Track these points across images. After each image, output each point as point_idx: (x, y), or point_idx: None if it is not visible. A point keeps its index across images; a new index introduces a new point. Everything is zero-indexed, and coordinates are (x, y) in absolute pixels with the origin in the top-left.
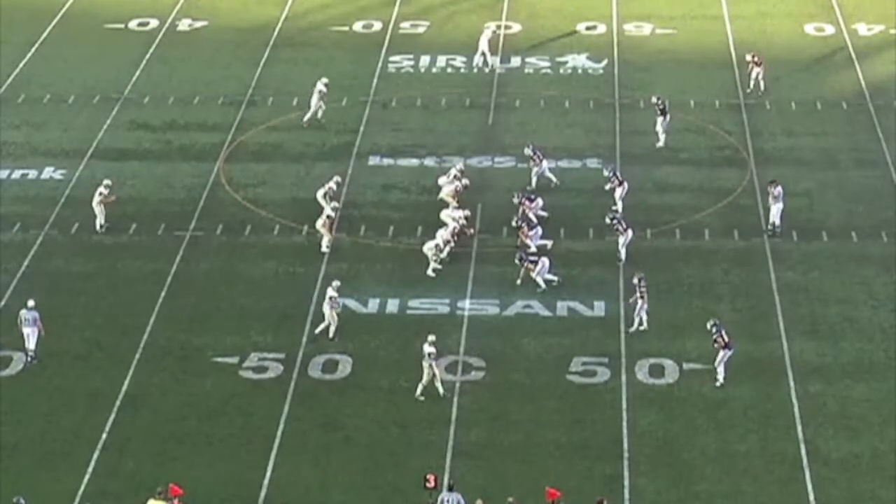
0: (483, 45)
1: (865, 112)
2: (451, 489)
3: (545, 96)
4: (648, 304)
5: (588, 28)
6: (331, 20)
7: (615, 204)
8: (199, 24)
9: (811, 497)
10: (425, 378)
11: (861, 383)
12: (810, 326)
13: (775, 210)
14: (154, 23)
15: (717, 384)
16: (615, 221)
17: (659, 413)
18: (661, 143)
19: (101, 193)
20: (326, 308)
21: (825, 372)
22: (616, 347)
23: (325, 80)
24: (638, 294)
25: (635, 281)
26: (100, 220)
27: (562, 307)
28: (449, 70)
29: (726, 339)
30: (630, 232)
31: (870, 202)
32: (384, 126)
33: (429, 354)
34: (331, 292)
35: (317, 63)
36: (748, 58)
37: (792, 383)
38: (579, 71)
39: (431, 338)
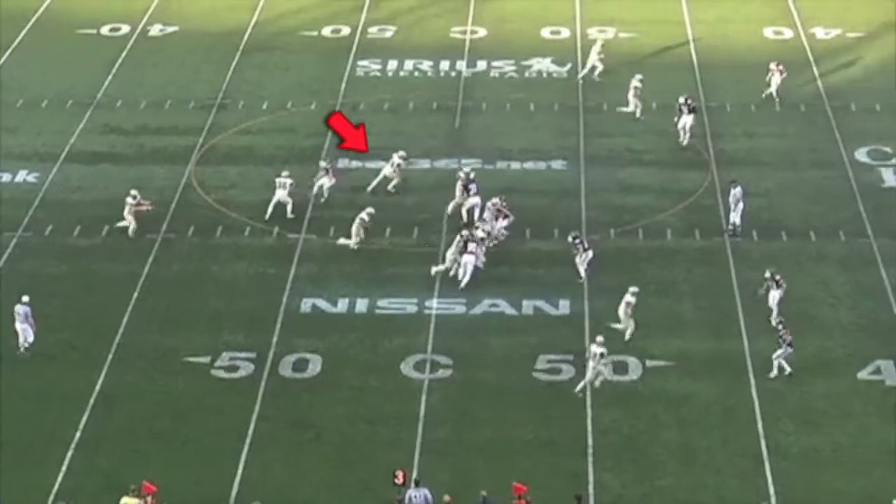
0: (594, 57)
1: (823, 114)
2: (417, 485)
3: (511, 99)
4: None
5: (552, 32)
6: (300, 25)
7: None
8: (170, 30)
9: (772, 490)
10: (589, 375)
11: (820, 379)
12: (770, 324)
13: (736, 211)
14: (126, 28)
15: (771, 376)
16: (577, 241)
17: (623, 409)
18: (684, 142)
19: (129, 203)
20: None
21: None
22: (581, 345)
23: (402, 153)
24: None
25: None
26: (131, 227)
27: (527, 306)
28: (416, 74)
29: (789, 337)
30: (590, 253)
31: (828, 202)
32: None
33: (600, 355)
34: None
35: (286, 67)
36: (772, 66)
37: (753, 379)
38: (544, 75)
39: (600, 339)
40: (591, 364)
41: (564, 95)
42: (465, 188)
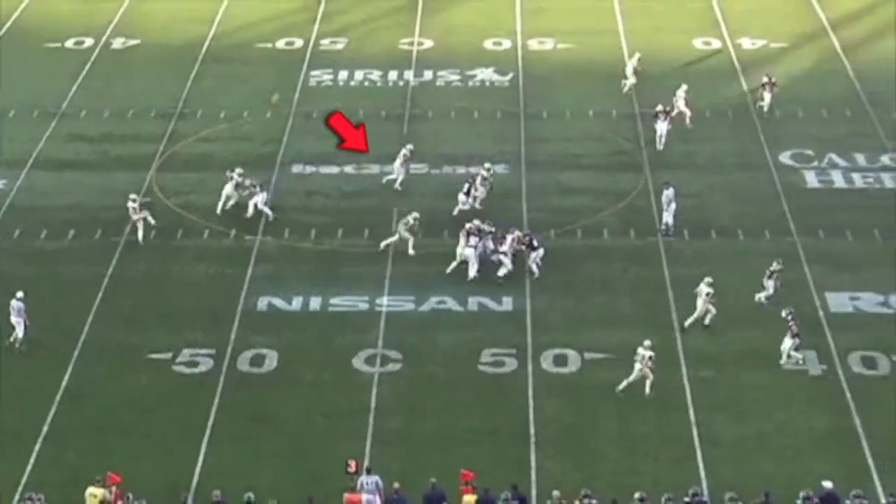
0: (630, 70)
1: (750, 120)
2: (369, 472)
3: (456, 107)
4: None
5: (495, 44)
6: (255, 38)
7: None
8: (131, 43)
9: (702, 475)
10: (633, 377)
11: (748, 370)
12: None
13: (668, 212)
14: (89, 41)
15: (782, 362)
16: (527, 238)
17: (563, 400)
18: (660, 147)
19: (131, 207)
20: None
21: (715, 360)
22: (523, 339)
23: (410, 146)
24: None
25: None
26: (140, 233)
27: (472, 302)
28: (366, 83)
29: (796, 329)
30: (541, 251)
31: (755, 203)
32: (306, 136)
33: (649, 358)
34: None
35: (243, 78)
36: (764, 79)
37: (685, 371)
38: (487, 84)
39: (648, 342)
40: (637, 366)
41: (506, 103)
42: (468, 236)
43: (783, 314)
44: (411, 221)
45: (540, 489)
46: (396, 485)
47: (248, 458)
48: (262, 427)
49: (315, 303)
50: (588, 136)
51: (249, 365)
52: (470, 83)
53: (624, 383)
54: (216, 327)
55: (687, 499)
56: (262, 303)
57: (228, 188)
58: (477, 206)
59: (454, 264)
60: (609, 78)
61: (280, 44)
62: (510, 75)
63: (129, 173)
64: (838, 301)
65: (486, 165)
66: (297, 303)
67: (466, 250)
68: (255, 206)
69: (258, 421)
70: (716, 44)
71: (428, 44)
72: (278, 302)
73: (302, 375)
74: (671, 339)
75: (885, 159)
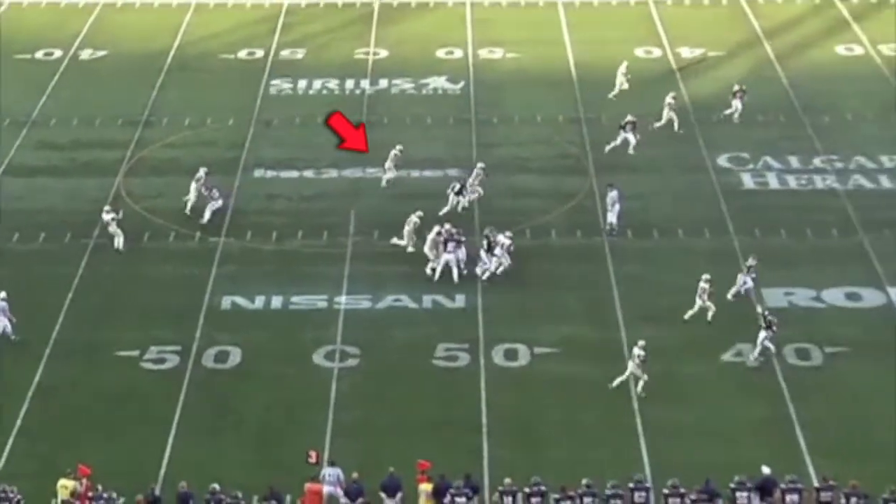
0: (620, 78)
1: (689, 125)
2: (332, 465)
3: (410, 114)
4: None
5: (447, 53)
6: (218, 48)
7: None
8: (99, 54)
9: (645, 461)
10: (626, 374)
11: (688, 361)
12: (644, 313)
13: (613, 212)
14: (59, 53)
15: (755, 355)
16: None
17: (513, 392)
18: (631, 151)
19: (108, 219)
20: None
21: (657, 352)
22: (475, 335)
23: (399, 146)
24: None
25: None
26: (120, 240)
27: (427, 300)
28: (324, 92)
29: (769, 322)
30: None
31: (694, 204)
32: (267, 142)
33: (639, 356)
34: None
35: (206, 87)
36: (735, 87)
37: (628, 363)
38: (440, 91)
39: (642, 343)
40: (630, 364)
41: (458, 110)
42: (445, 243)
43: (759, 310)
44: (416, 220)
45: (492, 477)
46: (355, 475)
47: (214, 451)
48: (227, 420)
49: (276, 301)
50: (536, 141)
51: (214, 361)
52: (423, 91)
53: (617, 381)
54: (182, 325)
55: (631, 485)
56: (226, 302)
57: (193, 186)
58: (465, 205)
59: (438, 270)
60: (555, 85)
61: (242, 54)
62: (461, 83)
63: (98, 179)
64: (774, 296)
65: (482, 165)
66: (259, 301)
67: (447, 255)
68: (212, 212)
69: (223, 414)
70: (656, 52)
71: (383, 53)
72: (241, 301)
73: (264, 371)
74: (617, 334)
75: (816, 162)
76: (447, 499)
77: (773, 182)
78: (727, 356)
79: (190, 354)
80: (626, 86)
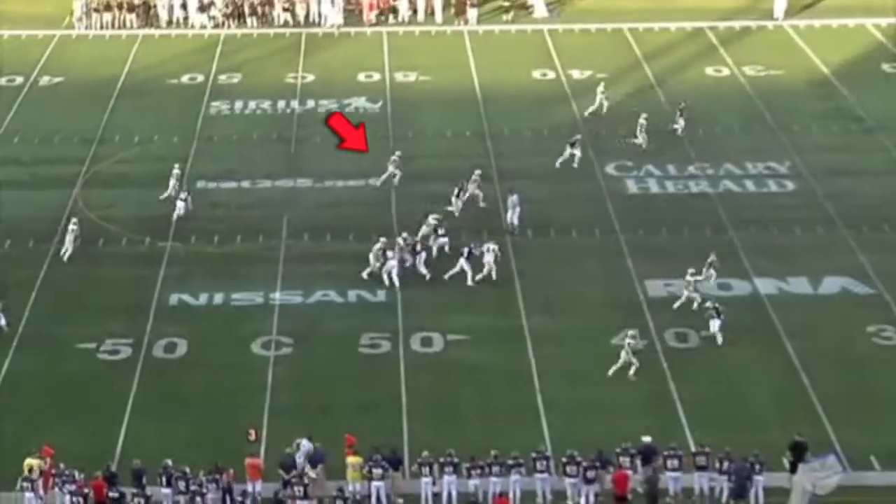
0: (599, 96)
1: (580, 137)
2: (309, 440)
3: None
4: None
5: (367, 76)
6: (163, 75)
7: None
8: (56, 80)
9: (546, 435)
10: (621, 362)
11: (582, 347)
12: (544, 304)
13: (514, 214)
14: (20, 79)
15: (720, 343)
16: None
17: (431, 375)
18: (575, 165)
19: (73, 230)
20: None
21: (556, 339)
22: (395, 325)
23: (398, 153)
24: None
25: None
26: (68, 249)
27: (352, 294)
28: (258, 112)
29: (718, 311)
30: (424, 254)
31: (586, 206)
32: (209, 156)
33: (628, 344)
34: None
35: (154, 108)
36: (681, 104)
37: (530, 349)
38: (361, 110)
39: (632, 332)
40: (623, 353)
41: (378, 127)
42: (436, 230)
43: (707, 304)
44: (432, 222)
45: (412, 451)
46: (289, 449)
47: (164, 431)
48: (175, 404)
49: (218, 298)
50: (447, 153)
51: (163, 352)
52: (347, 110)
53: (613, 368)
54: (134, 320)
55: (534, 455)
56: (174, 299)
57: (172, 182)
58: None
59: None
60: (462, 104)
61: (184, 79)
62: (380, 103)
63: (57, 191)
64: (655, 287)
65: (478, 172)
66: (203, 298)
67: (389, 263)
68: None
69: (171, 399)
70: (551, 74)
71: (310, 77)
72: (187, 298)
73: (208, 360)
74: (520, 323)
75: (691, 169)
76: (365, 469)
77: (653, 187)
78: (615, 340)
79: (142, 346)
80: (605, 103)
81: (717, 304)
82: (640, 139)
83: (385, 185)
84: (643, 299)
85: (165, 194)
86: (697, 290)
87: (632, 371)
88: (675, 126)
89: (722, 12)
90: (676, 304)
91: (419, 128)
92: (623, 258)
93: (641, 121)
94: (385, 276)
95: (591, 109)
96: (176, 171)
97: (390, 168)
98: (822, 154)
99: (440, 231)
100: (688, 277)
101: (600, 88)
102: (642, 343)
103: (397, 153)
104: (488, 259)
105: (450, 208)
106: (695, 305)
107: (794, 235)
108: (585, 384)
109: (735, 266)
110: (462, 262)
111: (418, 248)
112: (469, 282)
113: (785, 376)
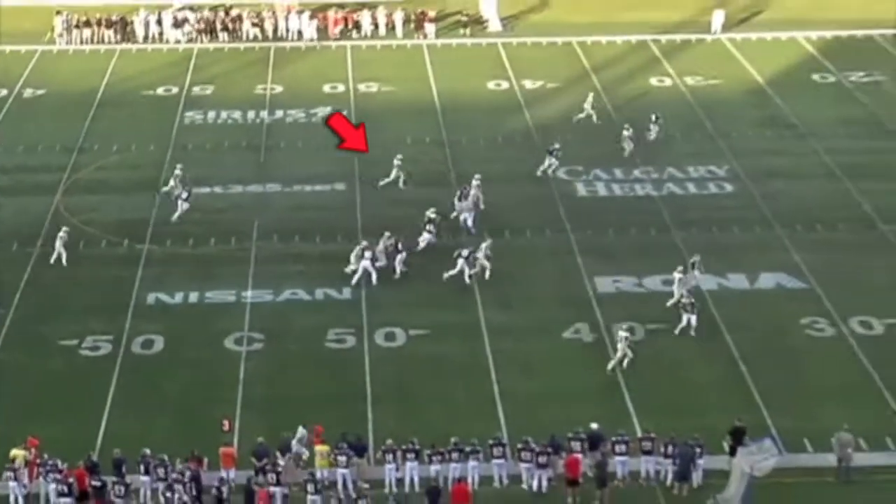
0: (587, 107)
1: (532, 145)
2: (304, 426)
3: (302, 138)
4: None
5: (332, 88)
6: (140, 86)
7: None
8: (39, 92)
9: (503, 423)
10: (619, 354)
11: (537, 340)
12: (500, 300)
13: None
14: (4, 92)
15: (693, 335)
16: (396, 242)
17: (394, 367)
18: (551, 173)
19: (61, 237)
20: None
21: (512, 333)
22: (360, 321)
23: (400, 156)
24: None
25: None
26: (62, 254)
27: (319, 293)
28: (230, 121)
29: (693, 306)
30: (405, 254)
31: (538, 208)
32: (183, 163)
33: (625, 338)
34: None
35: (131, 118)
36: (653, 116)
37: (487, 342)
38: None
39: (626, 325)
40: (620, 346)
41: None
42: (431, 221)
43: (683, 300)
44: (435, 217)
45: (376, 438)
46: (260, 439)
47: (142, 423)
48: (153, 397)
49: (193, 297)
50: (407, 159)
51: (141, 348)
52: (313, 119)
53: (612, 362)
54: (114, 318)
55: (491, 441)
56: (151, 298)
57: (172, 182)
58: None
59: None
60: (421, 113)
61: (160, 91)
62: (345, 113)
63: (40, 197)
64: (604, 283)
65: (477, 176)
66: (178, 297)
67: (363, 262)
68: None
69: (149, 392)
70: (504, 85)
71: (279, 89)
72: (164, 297)
73: (184, 355)
74: (477, 318)
75: (636, 173)
76: (331, 456)
77: (601, 190)
78: (567, 334)
79: (121, 343)
80: (592, 112)
81: (692, 300)
82: (626, 148)
83: (387, 186)
84: (592, 295)
85: (166, 188)
86: (684, 288)
87: (625, 362)
88: (650, 134)
89: (664, 26)
90: (669, 303)
91: (381, 136)
92: (574, 257)
93: (625, 133)
94: (371, 271)
95: (579, 117)
96: (177, 171)
97: (394, 172)
98: (759, 158)
99: (430, 228)
100: (675, 274)
101: (588, 99)
102: (594, 336)
103: (399, 157)
104: (479, 256)
105: (454, 214)
106: (669, 302)
107: (733, 234)
108: (539, 375)
109: (678, 263)
110: (461, 262)
111: (400, 247)
112: (466, 280)
113: (725, 366)
